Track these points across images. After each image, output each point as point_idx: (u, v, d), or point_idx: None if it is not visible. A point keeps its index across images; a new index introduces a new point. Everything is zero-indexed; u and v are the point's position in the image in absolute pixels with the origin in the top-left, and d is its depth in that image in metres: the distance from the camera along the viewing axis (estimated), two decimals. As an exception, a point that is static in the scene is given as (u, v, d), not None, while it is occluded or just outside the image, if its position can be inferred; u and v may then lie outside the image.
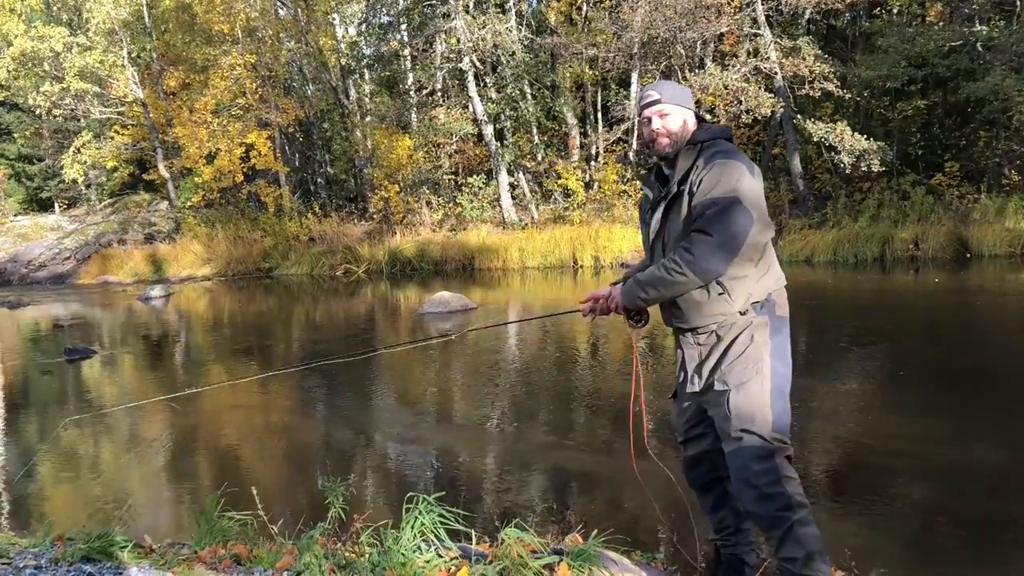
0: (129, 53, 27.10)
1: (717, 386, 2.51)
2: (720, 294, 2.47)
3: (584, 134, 23.85)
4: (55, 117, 29.33)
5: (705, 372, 2.55)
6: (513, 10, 22.51)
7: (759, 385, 2.46)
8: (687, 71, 20.24)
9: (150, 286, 19.49)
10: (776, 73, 18.58)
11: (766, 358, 2.48)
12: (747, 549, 2.76)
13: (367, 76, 26.34)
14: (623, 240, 18.63)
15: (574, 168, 22.77)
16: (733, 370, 2.47)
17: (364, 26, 24.77)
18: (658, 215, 2.58)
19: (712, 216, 2.36)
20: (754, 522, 2.58)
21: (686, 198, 2.44)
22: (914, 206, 17.52)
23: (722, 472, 2.63)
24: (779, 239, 17.06)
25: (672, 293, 2.47)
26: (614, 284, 2.74)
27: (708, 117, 2.54)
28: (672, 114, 2.54)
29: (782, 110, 18.53)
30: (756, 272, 2.48)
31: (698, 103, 17.95)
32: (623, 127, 22.43)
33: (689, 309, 2.53)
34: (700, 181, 2.41)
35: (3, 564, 2.97)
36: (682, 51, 19.96)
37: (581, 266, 18.94)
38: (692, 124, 2.57)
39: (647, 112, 2.57)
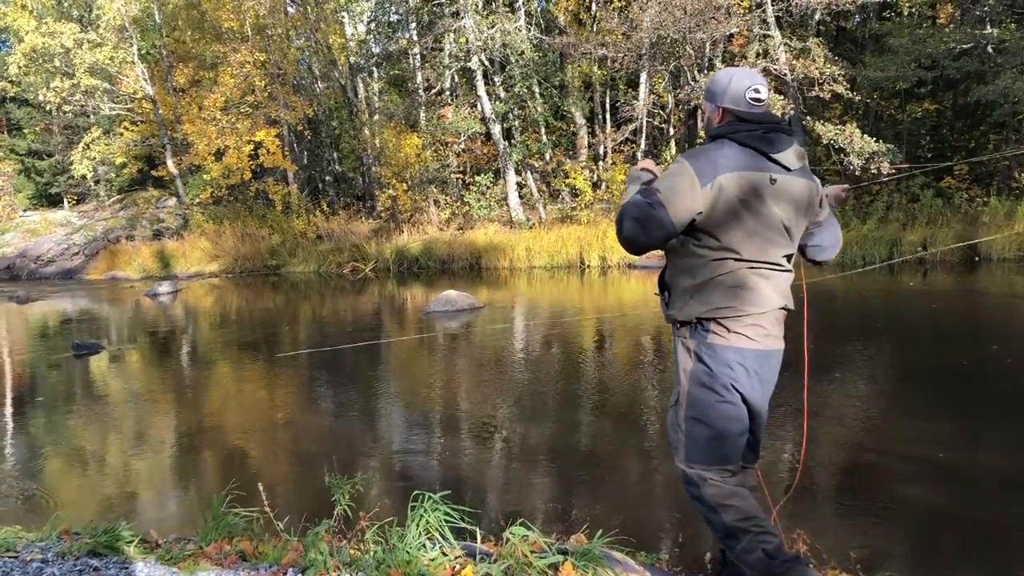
0: (139, 50, 27.19)
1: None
2: (662, 294, 2.51)
3: (592, 134, 23.83)
4: (65, 113, 29.44)
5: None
6: (522, 9, 22.51)
7: (675, 413, 2.48)
8: (696, 72, 20.20)
9: (158, 282, 19.57)
10: (785, 74, 18.53)
11: (684, 384, 2.43)
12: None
13: (376, 74, 26.37)
14: (630, 240, 18.55)
15: (582, 168, 22.75)
16: (674, 387, 2.51)
17: (373, 24, 24.81)
18: None
19: (633, 203, 2.32)
20: None
21: None
22: (923, 208, 17.46)
23: None
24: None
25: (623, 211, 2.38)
26: None
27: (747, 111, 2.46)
28: (705, 110, 2.58)
29: (791, 111, 18.48)
30: (692, 289, 2.37)
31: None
32: (631, 127, 22.41)
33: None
34: None
35: (10, 557, 2.98)
36: (691, 52, 19.92)
37: (588, 266, 18.92)
38: (713, 117, 2.53)
39: None
